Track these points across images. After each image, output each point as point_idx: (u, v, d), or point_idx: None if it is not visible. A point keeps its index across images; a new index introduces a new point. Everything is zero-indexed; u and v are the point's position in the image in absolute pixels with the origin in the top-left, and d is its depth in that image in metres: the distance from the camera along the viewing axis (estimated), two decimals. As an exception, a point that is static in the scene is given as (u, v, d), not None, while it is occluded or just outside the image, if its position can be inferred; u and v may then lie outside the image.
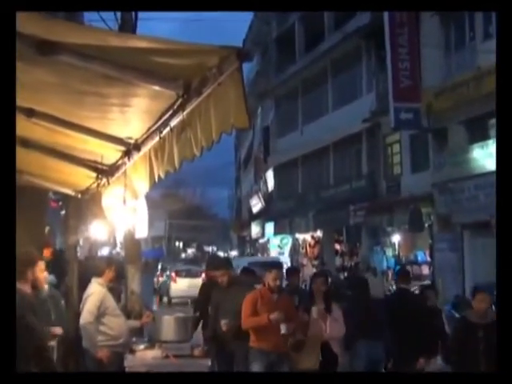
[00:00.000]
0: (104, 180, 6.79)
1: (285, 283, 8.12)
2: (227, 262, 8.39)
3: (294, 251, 33.96)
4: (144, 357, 6.54)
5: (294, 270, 9.57)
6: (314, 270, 29.33)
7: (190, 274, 27.55)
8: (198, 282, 24.86)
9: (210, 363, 6.58)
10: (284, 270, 8.15)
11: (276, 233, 35.94)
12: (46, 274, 5.89)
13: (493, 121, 17.38)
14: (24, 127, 4.95)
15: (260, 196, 39.92)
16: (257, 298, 6.99)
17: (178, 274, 28.24)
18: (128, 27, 10.42)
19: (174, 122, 4.40)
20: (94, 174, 6.94)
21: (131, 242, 7.38)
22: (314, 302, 7.47)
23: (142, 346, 6.78)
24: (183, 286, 26.12)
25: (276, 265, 7.72)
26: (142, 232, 6.75)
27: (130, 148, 5.53)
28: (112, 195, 6.61)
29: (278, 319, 6.70)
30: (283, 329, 6.71)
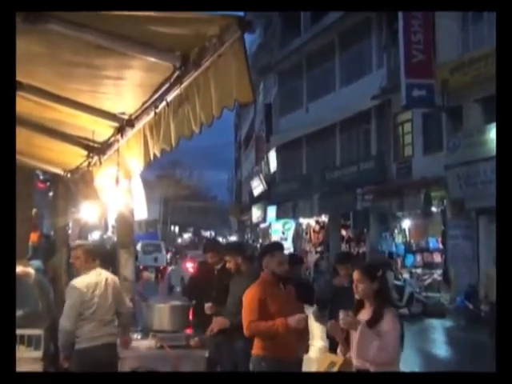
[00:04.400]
0: (95, 158, 6.78)
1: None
2: (236, 246, 8.07)
3: (298, 237, 34.02)
4: (138, 347, 6.55)
5: (297, 258, 9.34)
6: (317, 257, 29.57)
7: None
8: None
9: (206, 354, 6.57)
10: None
11: (278, 217, 35.96)
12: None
13: None
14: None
15: (261, 178, 39.88)
16: (265, 291, 5.85)
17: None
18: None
19: (170, 97, 4.38)
20: (84, 152, 6.93)
21: (124, 225, 7.35)
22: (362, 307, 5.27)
23: (135, 336, 6.79)
24: None
25: (278, 247, 6.50)
26: (140, 214, 6.72)
27: (124, 124, 5.52)
28: (104, 175, 6.60)
29: (302, 322, 5.70)
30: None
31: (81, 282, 6.38)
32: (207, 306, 7.16)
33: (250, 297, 5.89)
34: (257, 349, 5.90)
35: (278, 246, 6.49)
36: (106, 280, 6.50)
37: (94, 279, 6.42)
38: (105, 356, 6.21)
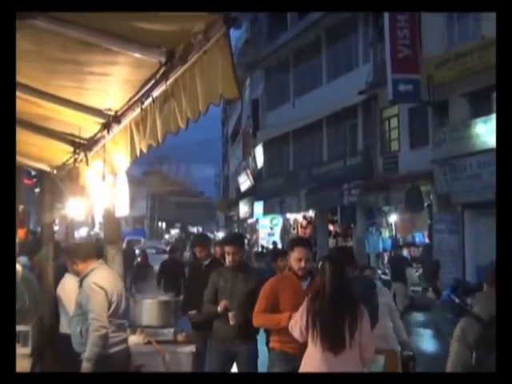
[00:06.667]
0: (82, 155, 6.78)
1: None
2: (238, 238, 7.73)
3: (285, 232, 34.07)
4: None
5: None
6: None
7: None
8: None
9: (194, 349, 6.59)
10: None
11: (265, 212, 36.00)
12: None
13: (497, 94, 17.42)
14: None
15: (248, 173, 39.92)
16: (279, 285, 5.82)
17: None
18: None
19: (156, 93, 4.39)
20: (70, 149, 6.92)
21: (111, 221, 7.34)
22: None
23: (122, 332, 6.79)
24: None
25: (299, 242, 6.11)
26: (122, 210, 6.66)
27: (110, 120, 5.51)
28: (91, 171, 6.60)
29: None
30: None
31: (105, 279, 5.78)
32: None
33: (265, 286, 5.91)
34: (271, 341, 5.95)
35: (299, 242, 6.17)
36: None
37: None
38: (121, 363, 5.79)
